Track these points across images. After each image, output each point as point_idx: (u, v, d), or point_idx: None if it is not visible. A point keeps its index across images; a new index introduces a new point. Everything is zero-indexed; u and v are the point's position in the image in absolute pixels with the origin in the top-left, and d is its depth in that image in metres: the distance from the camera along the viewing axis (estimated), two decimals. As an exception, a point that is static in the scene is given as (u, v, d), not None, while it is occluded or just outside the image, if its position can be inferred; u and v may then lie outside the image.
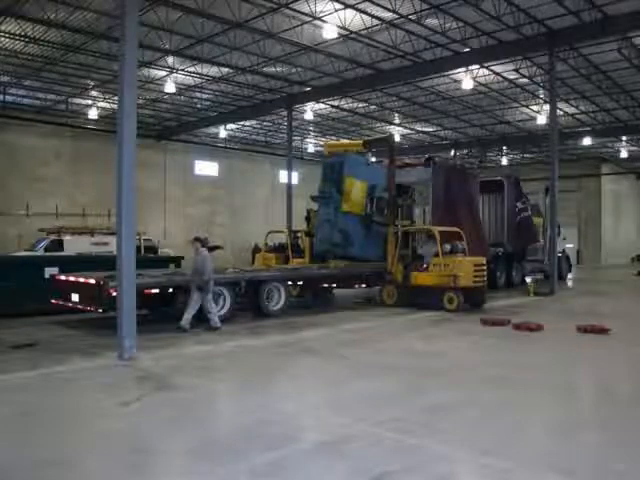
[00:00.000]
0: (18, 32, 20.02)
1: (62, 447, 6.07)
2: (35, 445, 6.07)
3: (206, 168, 39.42)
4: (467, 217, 20.10)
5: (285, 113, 30.05)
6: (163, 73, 25.25)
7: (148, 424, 6.86)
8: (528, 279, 21.86)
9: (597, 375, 9.66)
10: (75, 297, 13.35)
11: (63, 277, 14.01)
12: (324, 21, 19.48)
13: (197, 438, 6.31)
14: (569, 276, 28.63)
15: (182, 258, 18.94)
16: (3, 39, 20.72)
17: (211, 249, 19.04)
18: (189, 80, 26.41)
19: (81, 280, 13.15)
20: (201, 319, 13.18)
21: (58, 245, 20.72)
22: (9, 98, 28.12)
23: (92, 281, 12.72)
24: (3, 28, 19.78)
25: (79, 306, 13.27)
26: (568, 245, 28.65)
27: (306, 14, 19.07)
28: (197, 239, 13.74)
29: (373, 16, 19.24)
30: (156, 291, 13.40)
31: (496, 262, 21.94)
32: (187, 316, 12.90)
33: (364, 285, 18.91)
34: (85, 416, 7.17)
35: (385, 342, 12.31)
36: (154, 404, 7.58)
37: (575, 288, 25.17)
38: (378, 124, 35.15)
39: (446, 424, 6.83)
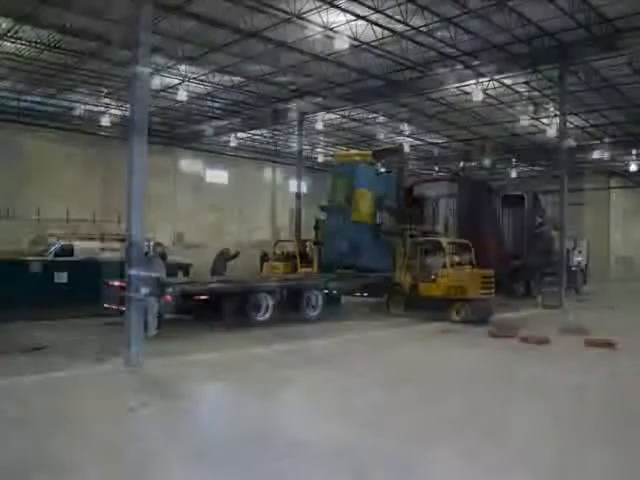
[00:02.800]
0: (34, 39, 20.25)
1: (63, 451, 6.10)
2: (35, 449, 6.12)
3: (216, 176, 39.55)
4: (489, 230, 20.91)
5: (295, 122, 30.17)
6: (175, 81, 25.42)
7: (151, 430, 6.90)
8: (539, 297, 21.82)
9: (603, 391, 9.65)
10: None
11: (117, 283, 13.84)
12: (336, 32, 19.57)
13: (200, 445, 6.36)
14: (584, 288, 28.75)
15: (191, 265, 19.01)
16: (19, 46, 20.95)
17: (232, 257, 19.14)
18: (201, 88, 26.57)
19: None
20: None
21: (68, 250, 20.80)
22: (23, 104, 28.38)
23: None
24: (20, 35, 20.00)
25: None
26: (576, 258, 28.84)
27: (318, 25, 19.16)
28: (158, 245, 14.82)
29: (384, 27, 19.32)
30: (205, 297, 14.47)
31: (516, 273, 22.63)
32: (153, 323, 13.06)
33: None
34: (88, 421, 7.19)
35: (390, 353, 12.34)
36: (158, 410, 7.64)
37: (585, 301, 25.07)
38: (388, 135, 35.20)
39: (447, 436, 6.86)
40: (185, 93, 25.85)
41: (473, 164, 41.79)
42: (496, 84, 24.84)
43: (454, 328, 15.63)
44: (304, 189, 33.57)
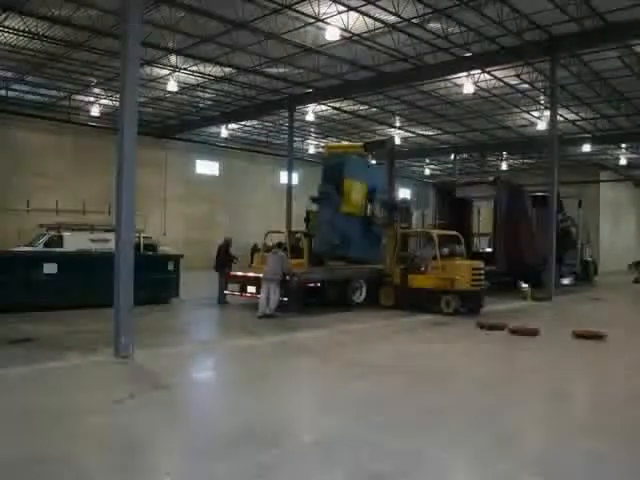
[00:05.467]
0: (22, 28, 20.06)
1: (52, 444, 6.03)
2: (25, 441, 6.06)
3: (207, 167, 39.51)
4: (524, 228, 23.74)
5: (286, 114, 30.12)
6: (166, 72, 25.28)
7: (140, 422, 6.86)
8: (524, 285, 21.98)
9: (587, 381, 9.72)
10: (252, 289, 16.72)
11: (240, 273, 17.66)
12: (327, 23, 19.52)
13: (189, 437, 6.33)
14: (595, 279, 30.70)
15: (181, 256, 18.92)
16: (7, 34, 20.76)
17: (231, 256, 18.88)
18: (191, 79, 26.45)
19: (261, 276, 15.93)
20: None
21: (58, 241, 20.74)
22: (12, 94, 28.20)
23: None
24: (7, 24, 19.82)
25: (257, 295, 16.13)
26: (589, 251, 31.15)
27: (309, 16, 19.11)
28: (280, 245, 17.04)
29: (376, 19, 19.29)
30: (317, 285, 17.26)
31: (540, 266, 24.02)
32: (273, 305, 15.46)
33: None
34: (76, 413, 7.12)
35: (380, 344, 12.37)
36: (147, 402, 7.60)
37: (574, 293, 25.26)
38: (379, 127, 35.17)
39: (439, 426, 6.88)
40: (175, 84, 25.75)
41: (464, 156, 42.02)
42: (487, 77, 24.87)
43: (443, 320, 15.67)
44: (296, 181, 33.54)
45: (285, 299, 16.05)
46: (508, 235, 22.86)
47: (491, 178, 26.17)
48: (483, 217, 29.02)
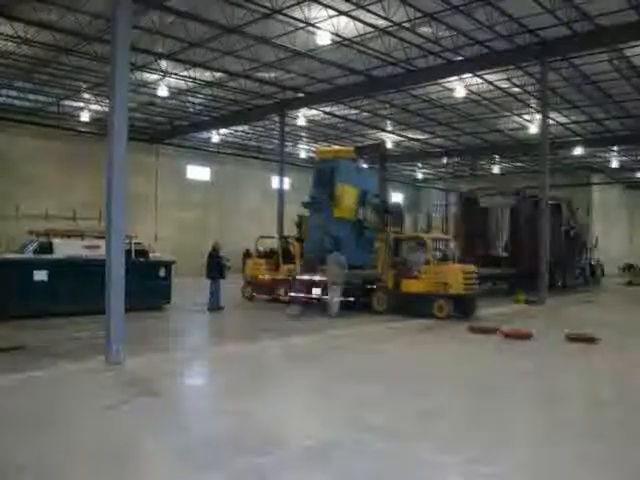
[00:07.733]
0: (10, 33, 19.95)
1: (41, 451, 5.94)
2: (13, 449, 5.98)
3: (198, 172, 39.38)
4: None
5: (277, 119, 30.09)
6: (156, 77, 25.21)
7: (130, 429, 6.79)
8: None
9: (579, 384, 9.68)
10: (317, 290, 17.97)
11: (306, 277, 18.43)
12: (318, 27, 19.52)
13: (179, 444, 6.23)
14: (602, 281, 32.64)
15: (174, 262, 18.81)
16: (-5, 40, 20.66)
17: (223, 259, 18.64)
18: (182, 84, 26.38)
19: (325, 279, 17.36)
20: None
21: (47, 248, 20.53)
22: (0, 99, 28.02)
23: None
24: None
25: (322, 296, 17.58)
26: (595, 255, 33.05)
27: (300, 20, 19.10)
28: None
29: (366, 23, 19.29)
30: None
31: (554, 269, 25.69)
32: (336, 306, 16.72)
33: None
34: (66, 420, 7.05)
35: (373, 349, 12.32)
36: (139, 409, 7.52)
37: (570, 295, 25.45)
38: (370, 131, 35.19)
39: (431, 430, 6.83)
40: (166, 89, 25.68)
41: (456, 160, 42.11)
42: (478, 80, 24.91)
43: (437, 324, 15.64)
44: (288, 185, 33.51)
45: (352, 299, 17.38)
46: (527, 240, 24.53)
47: (513, 190, 27.94)
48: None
